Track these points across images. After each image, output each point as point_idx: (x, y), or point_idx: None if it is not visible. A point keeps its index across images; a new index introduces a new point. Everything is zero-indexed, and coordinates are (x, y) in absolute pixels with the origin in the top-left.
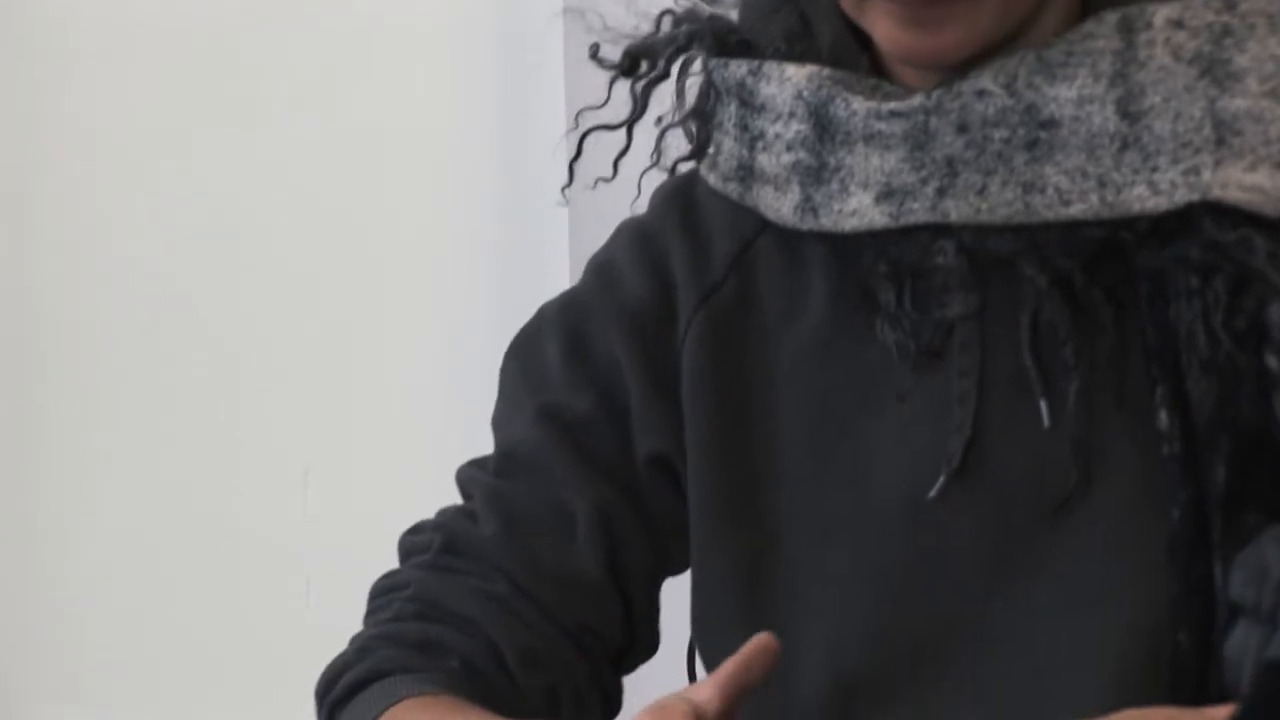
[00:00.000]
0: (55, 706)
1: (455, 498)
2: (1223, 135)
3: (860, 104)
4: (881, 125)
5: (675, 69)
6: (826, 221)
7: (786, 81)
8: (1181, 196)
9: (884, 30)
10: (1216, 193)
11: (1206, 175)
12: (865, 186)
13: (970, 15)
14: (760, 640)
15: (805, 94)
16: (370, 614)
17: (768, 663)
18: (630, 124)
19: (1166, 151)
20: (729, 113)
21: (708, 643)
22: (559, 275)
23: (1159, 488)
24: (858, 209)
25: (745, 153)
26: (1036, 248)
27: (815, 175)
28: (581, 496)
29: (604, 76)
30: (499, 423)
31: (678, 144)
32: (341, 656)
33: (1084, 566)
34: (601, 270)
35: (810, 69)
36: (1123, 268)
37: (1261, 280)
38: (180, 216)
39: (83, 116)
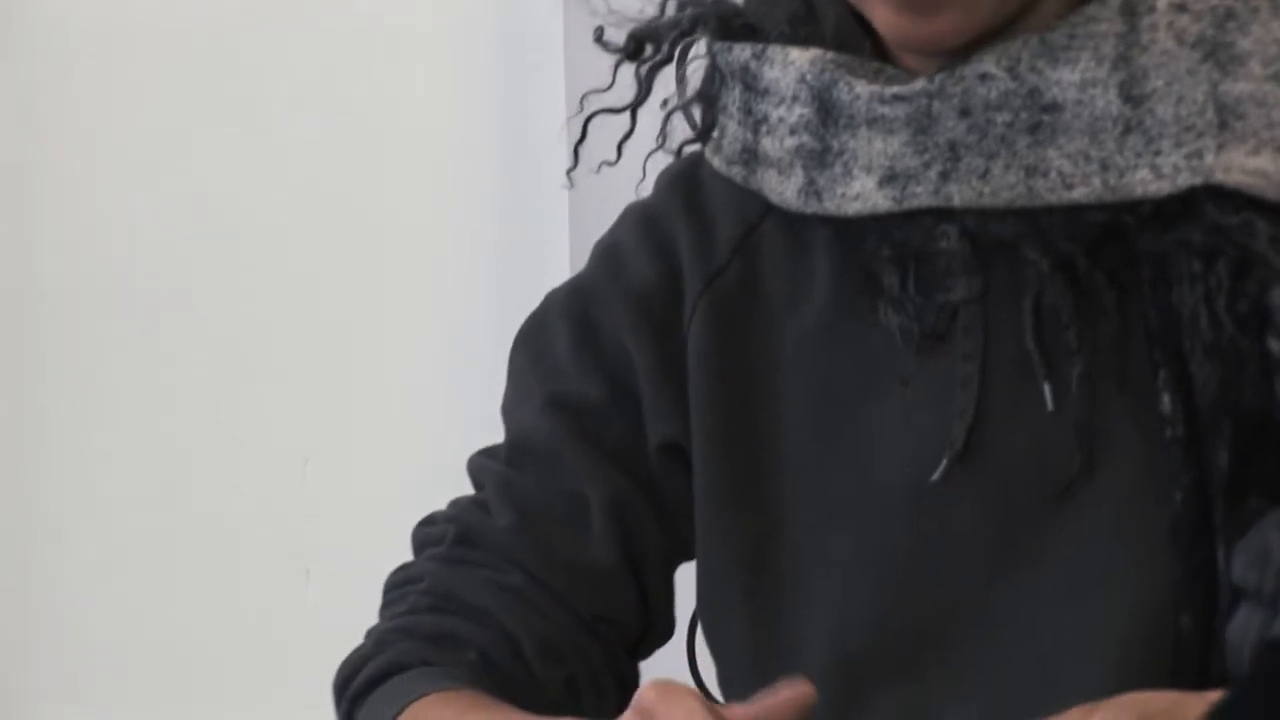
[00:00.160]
0: (55, 706)
1: (452, 489)
2: (1225, 119)
3: (863, 88)
4: (884, 109)
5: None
6: (830, 205)
7: (790, 65)
8: (1184, 180)
9: (882, 16)
10: (1219, 176)
11: (1209, 159)
12: (868, 170)
13: (967, 1)
14: (803, 689)
15: (809, 78)
16: (385, 607)
17: (803, 714)
18: (634, 107)
19: (1169, 135)
20: (733, 96)
21: (713, 629)
22: (559, 274)
23: (1162, 471)
24: (861, 193)
25: (749, 136)
26: (1039, 231)
27: (818, 159)
28: (594, 485)
29: (605, 75)
30: (509, 411)
31: (680, 128)
32: (359, 650)
33: (1087, 550)
34: (608, 254)
35: (814, 53)
36: (1125, 251)
37: (1264, 264)
38: (180, 216)
39: (83, 116)
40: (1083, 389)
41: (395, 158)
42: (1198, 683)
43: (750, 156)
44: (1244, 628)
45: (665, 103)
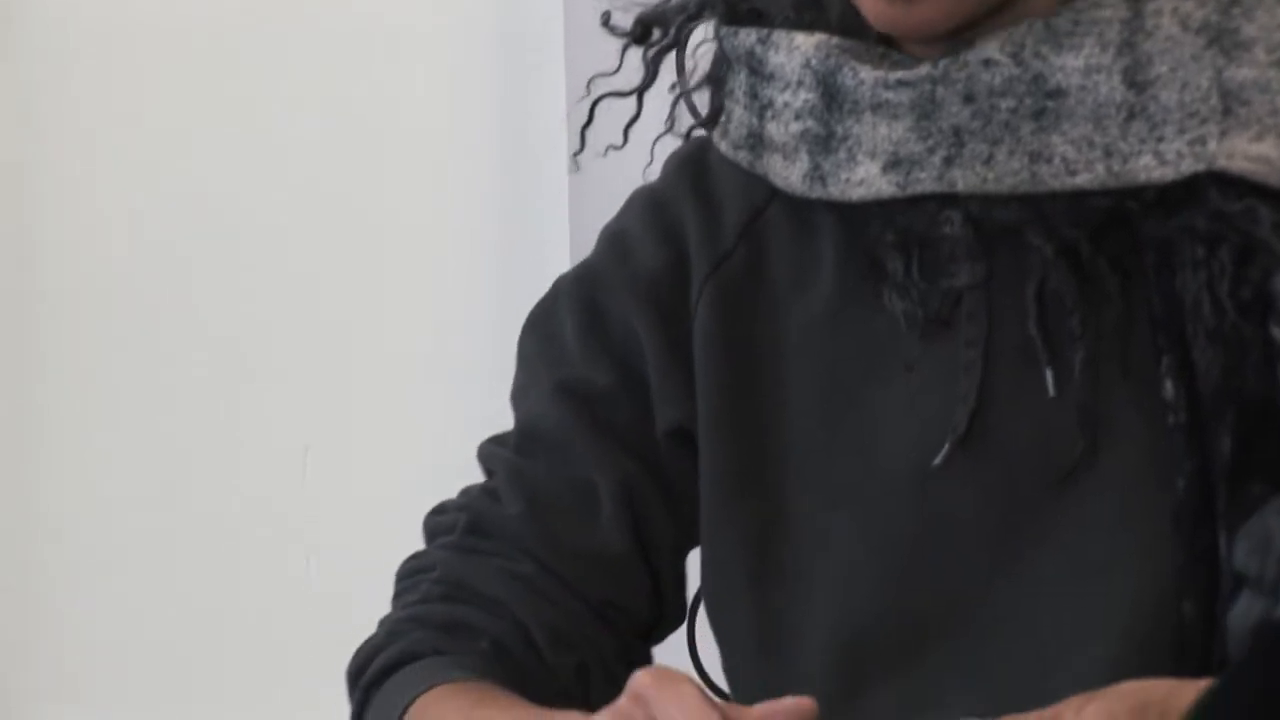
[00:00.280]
0: (55, 706)
1: (451, 487)
2: (1229, 105)
3: (868, 73)
4: (889, 94)
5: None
6: (834, 190)
7: (795, 50)
8: (1187, 166)
9: (869, 4)
10: (1222, 163)
11: (1212, 145)
12: (873, 156)
13: None
14: (805, 704)
15: (814, 63)
16: (398, 596)
17: None
18: (641, 91)
19: (1173, 121)
20: (739, 81)
21: (717, 614)
22: (558, 273)
23: (1165, 457)
24: (865, 178)
25: (755, 121)
26: (1043, 217)
27: (823, 144)
28: (603, 472)
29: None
30: (518, 398)
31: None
32: (372, 639)
33: (1089, 536)
34: (615, 240)
35: (819, 38)
36: (1129, 237)
37: (1266, 250)
38: (180, 216)
39: (83, 116)
40: (1085, 375)
41: (395, 158)
42: (1200, 669)
43: (756, 141)
44: (1245, 614)
45: (673, 86)
